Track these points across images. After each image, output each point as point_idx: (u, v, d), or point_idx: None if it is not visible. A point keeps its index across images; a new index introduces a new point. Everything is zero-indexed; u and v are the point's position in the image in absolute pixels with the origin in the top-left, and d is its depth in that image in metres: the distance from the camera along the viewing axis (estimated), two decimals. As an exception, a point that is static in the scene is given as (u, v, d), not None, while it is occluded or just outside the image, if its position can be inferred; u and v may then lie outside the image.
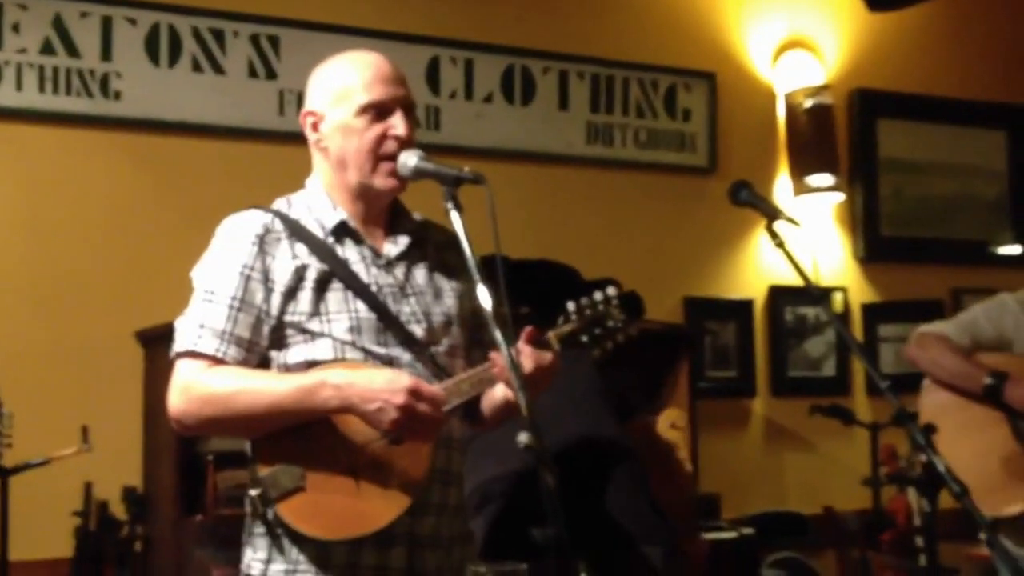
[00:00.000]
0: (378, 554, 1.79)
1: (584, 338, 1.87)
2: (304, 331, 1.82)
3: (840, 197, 4.58)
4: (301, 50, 3.69)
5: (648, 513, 2.36)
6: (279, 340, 1.83)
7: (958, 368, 2.76)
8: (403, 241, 1.94)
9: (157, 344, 3.19)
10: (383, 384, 1.73)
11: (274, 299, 1.82)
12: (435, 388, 1.78)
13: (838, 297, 4.59)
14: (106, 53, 3.51)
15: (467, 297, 1.96)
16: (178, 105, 3.59)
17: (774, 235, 1.96)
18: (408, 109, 1.88)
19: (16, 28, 3.40)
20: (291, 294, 1.82)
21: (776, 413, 4.48)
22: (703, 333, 4.31)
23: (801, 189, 4.49)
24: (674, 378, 3.96)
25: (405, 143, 1.85)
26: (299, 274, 1.83)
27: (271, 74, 3.73)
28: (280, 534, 1.79)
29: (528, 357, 1.82)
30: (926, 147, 4.86)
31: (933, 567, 3.19)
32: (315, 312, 1.82)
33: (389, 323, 1.84)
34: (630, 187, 4.28)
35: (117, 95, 3.51)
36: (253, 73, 3.71)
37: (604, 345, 1.88)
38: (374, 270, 1.89)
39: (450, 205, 1.72)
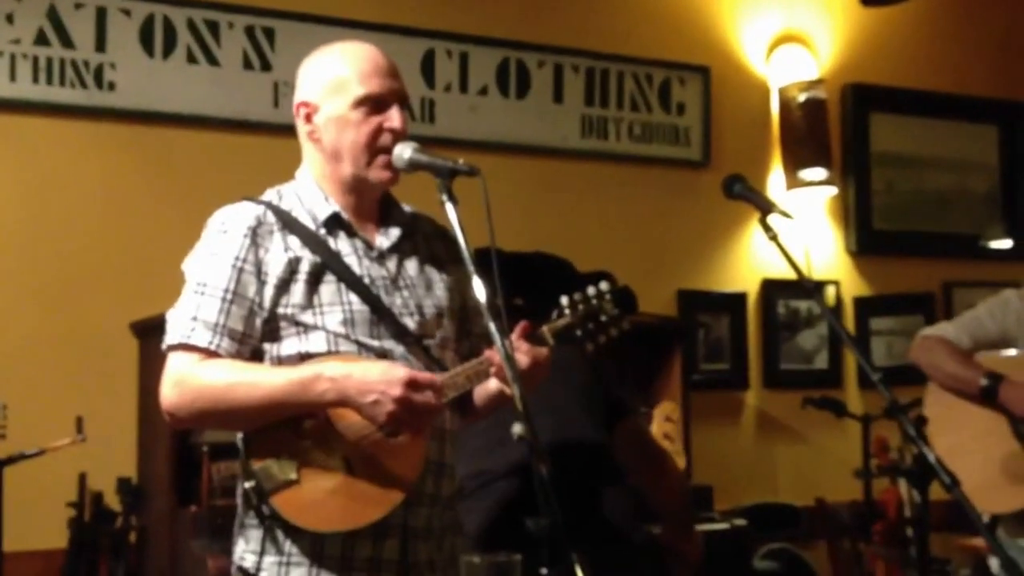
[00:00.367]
0: (372, 546, 1.80)
1: (578, 332, 1.88)
2: (297, 324, 1.82)
3: (833, 191, 4.59)
4: (296, 42, 3.69)
5: (623, 512, 2.38)
6: (272, 333, 1.82)
7: (955, 371, 2.77)
8: (394, 233, 1.94)
9: (152, 335, 3.18)
10: (379, 376, 1.72)
11: (267, 291, 1.81)
12: (432, 377, 1.78)
13: (830, 290, 4.61)
14: (100, 44, 3.50)
15: (456, 289, 1.97)
16: (173, 97, 3.59)
17: (767, 228, 1.97)
18: (402, 102, 1.89)
19: (10, 19, 3.40)
20: (284, 286, 1.82)
21: (769, 405, 4.50)
22: (696, 326, 4.32)
23: (794, 183, 4.50)
24: (667, 371, 3.97)
25: (401, 136, 1.85)
26: (292, 266, 1.82)
27: (266, 66, 3.73)
28: (274, 526, 1.79)
29: (524, 353, 1.82)
30: (918, 141, 4.88)
31: (923, 558, 3.21)
32: (308, 305, 1.82)
33: (382, 316, 1.84)
34: (624, 180, 4.29)
35: (111, 86, 3.51)
36: (248, 65, 3.71)
37: (597, 339, 1.89)
38: (366, 262, 1.88)
39: (445, 197, 1.72)
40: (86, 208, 3.49)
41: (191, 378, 1.76)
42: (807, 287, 1.99)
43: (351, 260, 1.87)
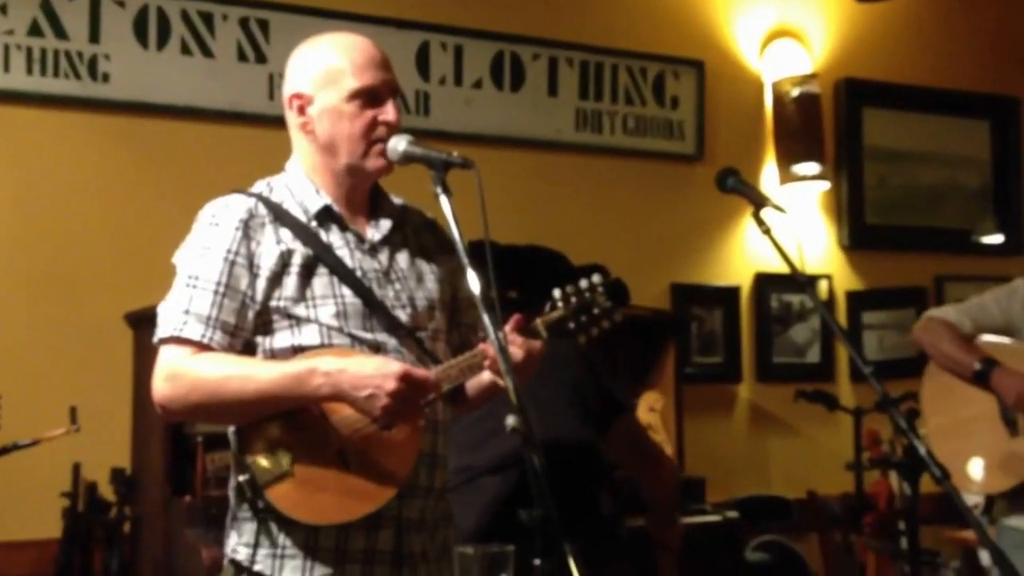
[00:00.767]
0: (366, 538, 1.80)
1: (571, 325, 1.89)
2: (290, 316, 1.81)
3: (826, 185, 4.61)
4: (291, 34, 3.65)
5: (607, 505, 2.40)
6: (265, 326, 1.82)
7: (952, 352, 2.83)
8: (385, 225, 1.93)
9: (146, 326, 3.16)
10: (374, 371, 1.72)
11: (259, 284, 1.81)
12: (427, 372, 1.79)
13: (823, 284, 4.63)
14: (94, 35, 3.50)
15: (447, 280, 1.97)
16: (167, 88, 3.58)
17: (760, 222, 1.98)
18: (396, 93, 1.89)
19: (4, 9, 3.39)
20: (276, 279, 1.81)
21: (761, 399, 4.51)
22: (690, 319, 4.33)
23: (787, 177, 4.51)
24: (660, 364, 3.99)
25: (395, 129, 1.85)
26: (284, 259, 1.82)
27: (261, 58, 3.72)
28: (267, 519, 1.79)
29: (518, 346, 1.83)
30: (911, 136, 4.89)
31: (914, 549, 3.24)
32: (301, 297, 1.82)
33: (375, 308, 1.84)
34: (618, 174, 4.29)
35: (105, 78, 3.50)
36: (243, 57, 3.70)
37: (590, 332, 1.90)
38: (358, 255, 1.88)
39: (439, 190, 1.72)
40: (80, 199, 3.48)
41: (184, 371, 1.76)
42: (800, 281, 2.00)
43: (343, 253, 1.87)
